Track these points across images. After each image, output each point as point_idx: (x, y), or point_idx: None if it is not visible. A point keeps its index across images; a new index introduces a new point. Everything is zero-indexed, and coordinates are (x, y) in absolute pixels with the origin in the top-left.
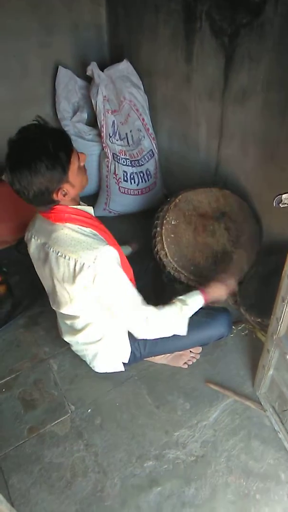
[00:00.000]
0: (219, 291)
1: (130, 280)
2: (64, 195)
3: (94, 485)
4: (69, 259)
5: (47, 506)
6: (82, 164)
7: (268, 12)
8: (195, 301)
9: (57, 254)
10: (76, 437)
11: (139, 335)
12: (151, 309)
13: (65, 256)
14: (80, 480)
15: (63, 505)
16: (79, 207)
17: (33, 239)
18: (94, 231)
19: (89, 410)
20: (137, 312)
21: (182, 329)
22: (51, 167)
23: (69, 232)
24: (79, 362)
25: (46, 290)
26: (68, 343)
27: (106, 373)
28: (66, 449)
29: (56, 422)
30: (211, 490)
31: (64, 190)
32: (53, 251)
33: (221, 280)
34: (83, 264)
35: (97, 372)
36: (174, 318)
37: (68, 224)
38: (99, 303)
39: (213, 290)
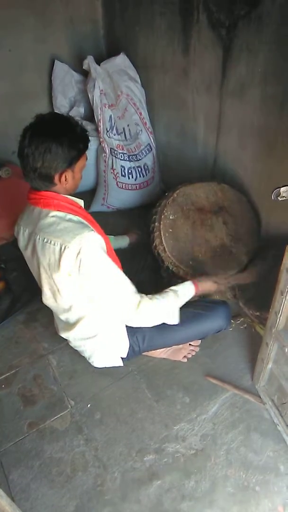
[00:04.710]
0: (209, 286)
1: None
2: (63, 182)
3: (94, 479)
4: (54, 244)
5: (48, 500)
6: (84, 165)
7: (266, 3)
8: (187, 291)
9: (43, 241)
10: (76, 432)
11: (131, 322)
12: (143, 297)
13: (50, 242)
14: (80, 475)
15: (63, 499)
16: (69, 196)
17: (21, 230)
18: (82, 220)
19: (89, 405)
20: (126, 297)
21: (174, 318)
22: (70, 147)
23: (56, 219)
24: (78, 357)
25: (36, 281)
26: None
27: (105, 368)
28: (66, 444)
29: (55, 417)
30: (211, 483)
31: (65, 176)
32: (39, 238)
33: (214, 277)
34: (68, 248)
35: (96, 367)
36: (166, 308)
37: (55, 212)
38: (84, 293)
39: (204, 283)
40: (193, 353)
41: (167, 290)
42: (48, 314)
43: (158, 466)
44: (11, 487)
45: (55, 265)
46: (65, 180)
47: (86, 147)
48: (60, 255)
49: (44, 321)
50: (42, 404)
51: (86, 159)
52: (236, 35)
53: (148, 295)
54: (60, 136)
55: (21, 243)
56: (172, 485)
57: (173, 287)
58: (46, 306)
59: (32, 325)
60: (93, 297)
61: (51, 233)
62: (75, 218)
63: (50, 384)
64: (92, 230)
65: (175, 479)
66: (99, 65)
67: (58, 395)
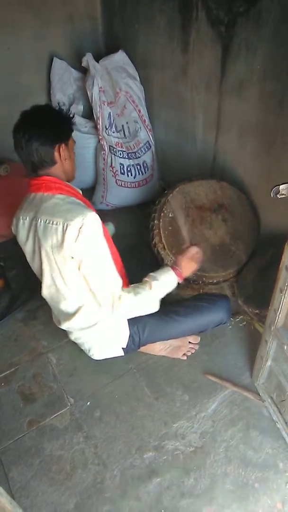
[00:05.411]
0: (190, 264)
1: (115, 261)
2: (62, 158)
3: (94, 477)
4: (57, 224)
5: (48, 498)
6: (73, 145)
7: (265, 0)
8: (166, 276)
9: (45, 223)
10: (76, 430)
11: (112, 312)
12: (125, 290)
13: (52, 222)
14: (80, 472)
15: (63, 497)
16: (69, 183)
17: (20, 220)
18: (82, 203)
19: (88, 402)
20: (111, 286)
21: (155, 307)
22: (60, 122)
23: (59, 201)
24: (78, 355)
25: (36, 274)
26: (66, 337)
27: (105, 362)
28: (65, 441)
29: (55, 415)
30: (210, 480)
31: (63, 151)
32: (40, 222)
33: (184, 254)
34: (70, 225)
35: (96, 365)
36: (148, 302)
37: (58, 195)
38: (80, 272)
39: (184, 265)
40: (193, 351)
41: (150, 281)
42: (47, 312)
43: (157, 464)
44: (11, 484)
45: (58, 246)
46: (64, 156)
47: (72, 124)
48: (63, 234)
49: (43, 319)
50: (41, 402)
51: (74, 142)
52: (235, 33)
53: (130, 289)
54: (50, 116)
55: (21, 235)
56: (171, 483)
57: (156, 280)
58: (45, 304)
59: (31, 323)
60: (85, 276)
61: (53, 214)
62: (77, 200)
63: (50, 382)
64: (93, 211)
65: (174, 477)
66: (98, 62)
67: (57, 393)
